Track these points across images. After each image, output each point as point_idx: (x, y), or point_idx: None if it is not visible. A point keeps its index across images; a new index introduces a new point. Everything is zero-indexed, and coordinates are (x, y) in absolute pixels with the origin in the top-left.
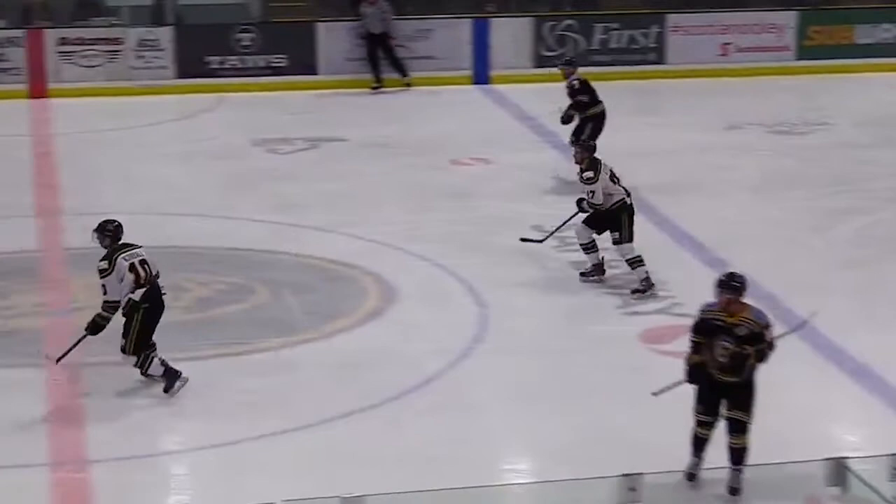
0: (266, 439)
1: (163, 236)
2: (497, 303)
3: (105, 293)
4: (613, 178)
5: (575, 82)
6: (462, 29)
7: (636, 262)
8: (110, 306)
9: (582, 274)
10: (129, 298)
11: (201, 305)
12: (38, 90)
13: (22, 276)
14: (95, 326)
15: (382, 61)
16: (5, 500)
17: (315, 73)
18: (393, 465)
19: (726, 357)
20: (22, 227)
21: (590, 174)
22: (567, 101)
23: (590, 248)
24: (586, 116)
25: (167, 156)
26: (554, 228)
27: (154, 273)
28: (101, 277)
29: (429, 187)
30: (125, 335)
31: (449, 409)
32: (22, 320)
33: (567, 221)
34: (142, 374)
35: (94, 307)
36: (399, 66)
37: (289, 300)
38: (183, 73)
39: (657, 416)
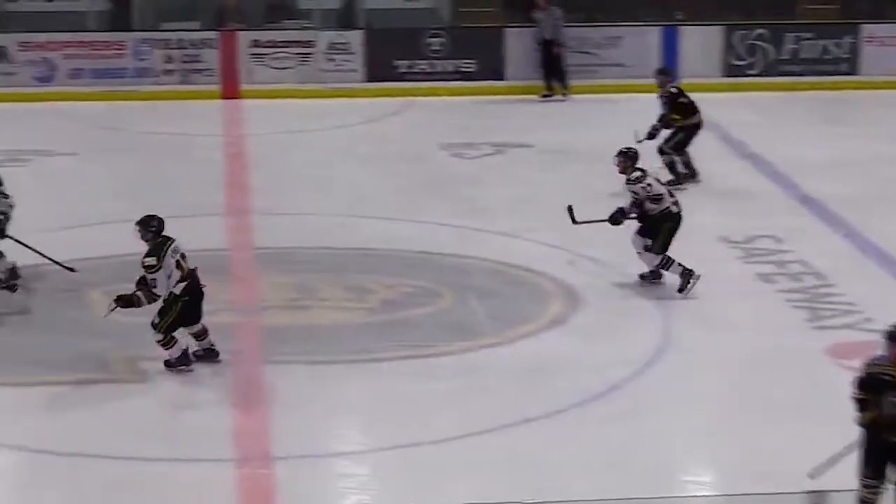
0: (447, 443)
1: (350, 238)
2: (682, 311)
3: (154, 286)
4: (661, 183)
5: (673, 89)
6: (651, 37)
7: (666, 265)
8: (153, 297)
9: (641, 277)
10: (171, 292)
11: (387, 308)
12: (230, 91)
13: (213, 274)
14: (128, 303)
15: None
16: (194, 493)
17: (502, 79)
18: (573, 472)
19: (893, 415)
20: (213, 225)
21: (637, 174)
22: (643, 120)
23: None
24: (681, 126)
25: (355, 158)
26: (596, 219)
27: (193, 267)
28: (149, 273)
29: (613, 194)
30: (161, 317)
31: (631, 417)
32: (213, 317)
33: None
34: (163, 348)
35: (283, 306)
36: (561, 75)
37: (473, 304)
38: (372, 76)
39: (843, 431)
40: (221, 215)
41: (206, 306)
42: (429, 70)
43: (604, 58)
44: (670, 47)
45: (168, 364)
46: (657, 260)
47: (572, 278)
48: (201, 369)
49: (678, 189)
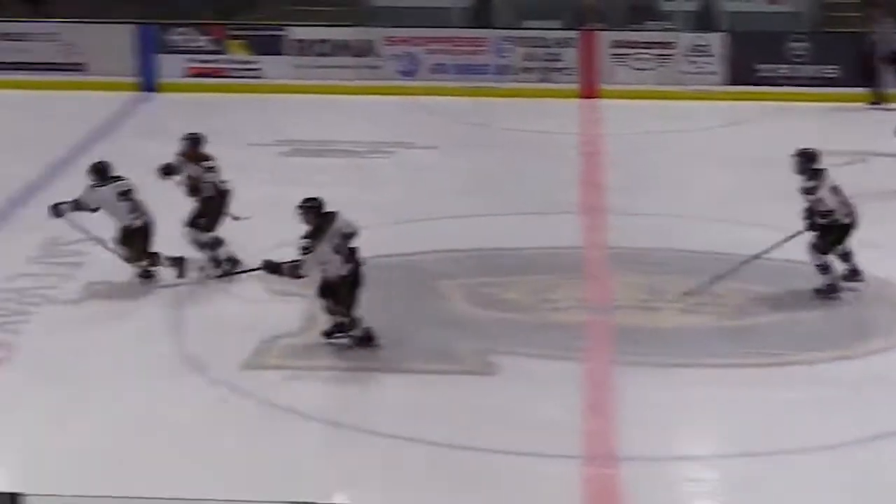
0: (796, 454)
1: (704, 241)
2: None
3: (300, 267)
4: (836, 192)
5: None
6: None
7: (824, 269)
8: (297, 276)
9: (816, 291)
10: (339, 274)
11: (736, 313)
12: (589, 90)
13: (567, 272)
14: (274, 270)
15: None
16: (541, 488)
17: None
18: None
19: None
20: (567, 223)
21: (810, 184)
22: None
23: (824, 269)
24: None
25: (714, 161)
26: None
27: (355, 247)
28: (302, 253)
29: None
30: (336, 303)
31: None
32: (564, 314)
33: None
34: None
35: (634, 307)
36: None
37: (824, 314)
38: (732, 79)
39: None
40: (576, 213)
41: (563, 303)
42: (791, 75)
43: None
44: None
45: (356, 341)
46: (818, 261)
47: None
48: (552, 366)
49: None
